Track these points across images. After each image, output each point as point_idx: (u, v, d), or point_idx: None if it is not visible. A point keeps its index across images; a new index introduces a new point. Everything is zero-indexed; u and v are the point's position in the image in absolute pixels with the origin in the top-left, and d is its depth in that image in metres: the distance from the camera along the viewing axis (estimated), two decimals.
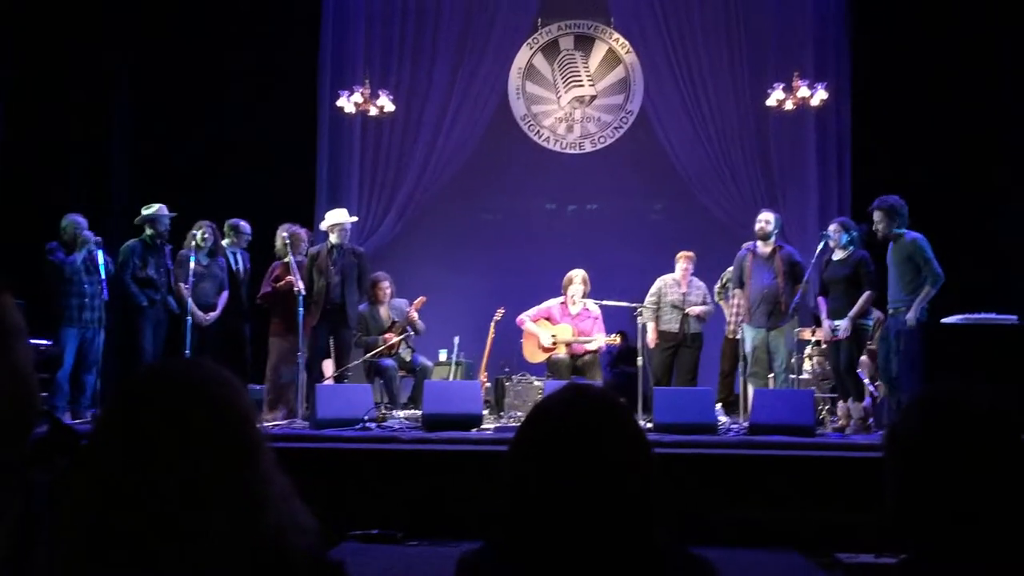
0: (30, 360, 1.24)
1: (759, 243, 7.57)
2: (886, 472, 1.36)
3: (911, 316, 6.43)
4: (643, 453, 1.40)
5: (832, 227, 7.08)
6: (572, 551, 1.33)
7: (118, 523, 1.14)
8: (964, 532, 1.25)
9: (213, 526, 1.15)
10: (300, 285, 7.25)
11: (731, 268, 8.30)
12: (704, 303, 8.21)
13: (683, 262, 8.25)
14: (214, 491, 1.17)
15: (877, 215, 6.69)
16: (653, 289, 8.30)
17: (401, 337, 7.90)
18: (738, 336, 7.91)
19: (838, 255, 7.03)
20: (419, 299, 8.10)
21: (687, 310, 8.11)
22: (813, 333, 8.00)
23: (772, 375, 7.58)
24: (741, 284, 7.59)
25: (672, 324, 8.14)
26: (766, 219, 7.55)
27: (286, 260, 7.51)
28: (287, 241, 7.59)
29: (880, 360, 6.87)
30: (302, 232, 7.87)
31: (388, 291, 8.12)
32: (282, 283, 7.52)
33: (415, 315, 8.02)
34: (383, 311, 8.10)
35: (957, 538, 1.26)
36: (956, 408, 1.32)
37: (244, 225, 7.94)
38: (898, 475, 1.33)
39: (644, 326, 8.08)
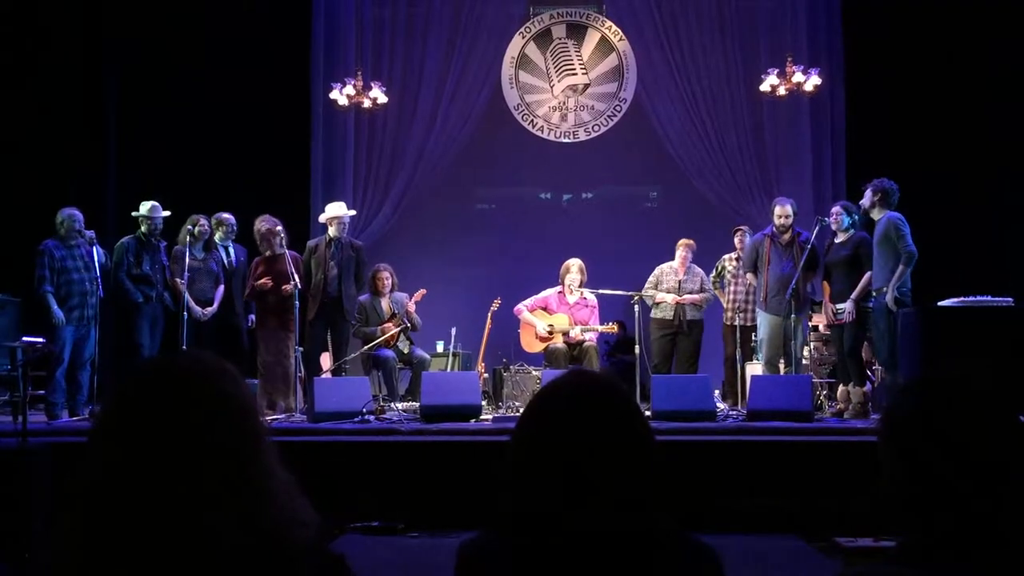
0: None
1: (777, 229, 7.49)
2: (881, 453, 1.35)
3: (888, 297, 6.45)
4: (646, 438, 1.40)
5: (835, 210, 7.07)
6: (574, 535, 1.34)
7: (119, 519, 1.14)
8: (961, 513, 1.25)
9: (215, 520, 1.15)
10: (296, 281, 7.21)
11: (727, 256, 8.28)
12: (702, 290, 8.19)
13: (682, 250, 8.22)
14: (216, 485, 1.16)
15: (867, 192, 6.73)
16: (652, 277, 8.29)
17: (398, 328, 7.90)
18: (735, 323, 7.91)
19: (840, 237, 7.03)
20: (418, 292, 8.07)
21: (680, 298, 8.09)
22: (811, 318, 7.99)
23: (782, 360, 7.54)
24: (755, 268, 7.48)
25: (667, 311, 8.14)
26: (786, 214, 7.30)
27: (267, 255, 7.50)
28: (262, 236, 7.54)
29: (876, 342, 6.87)
30: (269, 224, 7.63)
31: (388, 282, 8.13)
32: (260, 282, 7.42)
33: (412, 309, 8.01)
34: (384, 303, 8.11)
35: (952, 519, 1.25)
36: (953, 389, 1.32)
37: (228, 217, 7.85)
38: (893, 456, 1.33)
39: (648, 306, 8.08)
